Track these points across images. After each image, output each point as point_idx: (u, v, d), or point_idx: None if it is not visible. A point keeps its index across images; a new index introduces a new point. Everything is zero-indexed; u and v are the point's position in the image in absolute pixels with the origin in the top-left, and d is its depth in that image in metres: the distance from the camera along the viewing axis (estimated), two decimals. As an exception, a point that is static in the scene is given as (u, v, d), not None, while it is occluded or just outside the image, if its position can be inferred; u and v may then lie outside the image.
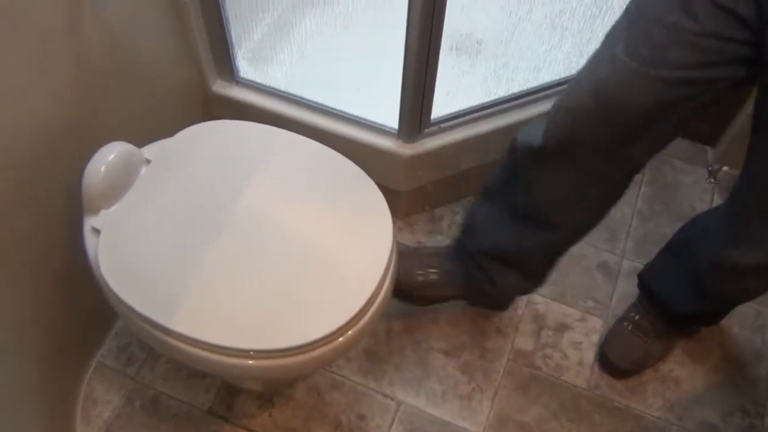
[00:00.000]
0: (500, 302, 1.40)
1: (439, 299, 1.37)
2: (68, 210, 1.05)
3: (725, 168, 1.67)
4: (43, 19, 0.89)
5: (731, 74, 0.87)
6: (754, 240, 1.00)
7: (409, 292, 1.33)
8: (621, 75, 0.90)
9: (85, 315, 1.25)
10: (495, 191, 1.19)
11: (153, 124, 1.22)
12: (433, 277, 1.32)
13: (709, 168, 1.69)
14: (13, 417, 1.02)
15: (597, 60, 0.94)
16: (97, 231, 0.97)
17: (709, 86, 0.89)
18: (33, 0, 0.86)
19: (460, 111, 1.35)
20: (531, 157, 1.05)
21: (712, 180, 1.67)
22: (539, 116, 1.05)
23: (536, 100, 1.39)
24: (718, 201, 1.64)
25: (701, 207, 1.62)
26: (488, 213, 1.21)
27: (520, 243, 1.19)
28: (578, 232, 1.18)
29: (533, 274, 1.28)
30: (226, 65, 1.36)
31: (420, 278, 1.32)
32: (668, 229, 1.53)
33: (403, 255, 1.29)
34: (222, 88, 1.39)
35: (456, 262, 1.30)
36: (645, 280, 1.36)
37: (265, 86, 1.39)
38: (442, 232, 1.55)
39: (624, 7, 0.92)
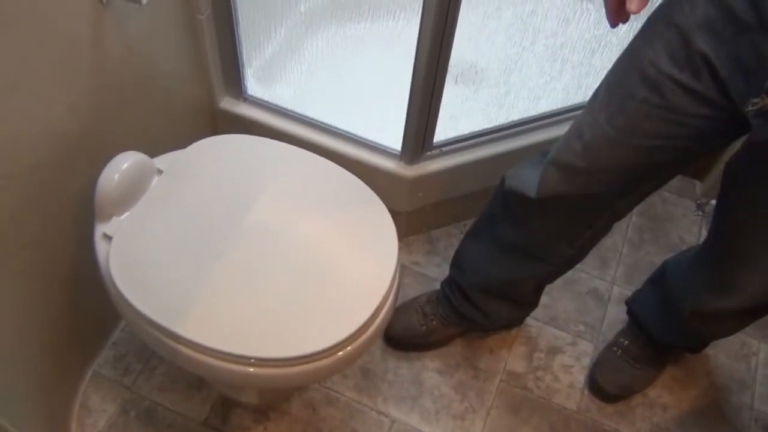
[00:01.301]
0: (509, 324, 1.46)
1: (445, 341, 1.43)
2: (78, 215, 1.07)
3: (713, 202, 1.72)
4: (70, 31, 0.92)
5: (707, 140, 0.92)
6: (735, 287, 1.03)
7: (415, 343, 1.40)
8: (604, 140, 0.95)
9: (84, 323, 1.26)
10: (484, 228, 1.24)
11: (164, 136, 1.24)
12: (434, 323, 1.39)
13: (697, 201, 1.74)
14: (13, 419, 1.02)
15: (584, 122, 0.99)
16: (108, 237, 0.99)
17: (687, 152, 0.94)
18: (61, 13, 0.89)
19: (462, 136, 1.39)
20: (523, 205, 1.09)
21: (700, 213, 1.72)
22: (529, 160, 1.10)
23: (535, 128, 1.43)
24: (705, 234, 1.68)
25: (689, 238, 1.67)
26: (478, 248, 1.27)
27: (510, 274, 1.24)
28: (566, 266, 1.23)
29: (524, 302, 1.34)
30: (235, 83, 1.39)
31: (423, 328, 1.39)
32: (657, 257, 1.57)
33: (399, 311, 1.38)
34: (230, 104, 1.42)
35: (448, 304, 1.36)
36: (632, 308, 1.40)
37: (271, 104, 1.42)
38: (438, 253, 1.58)
39: (622, 46, 0.96)
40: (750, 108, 0.80)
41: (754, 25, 0.77)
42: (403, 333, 1.39)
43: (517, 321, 1.45)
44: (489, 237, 1.23)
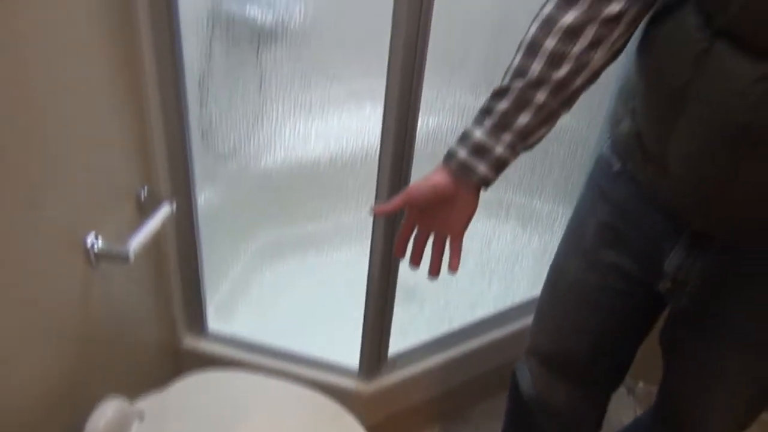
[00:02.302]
0: None
1: None
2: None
3: (641, 384, 1.87)
4: (61, 289, 1.02)
5: (643, 316, 1.09)
6: None
7: None
8: (554, 335, 1.13)
9: None
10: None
11: (136, 374, 1.30)
12: None
13: (627, 385, 1.88)
14: None
15: (540, 318, 1.17)
16: (95, 488, 1.00)
17: (639, 328, 1.10)
18: (55, 273, 0.99)
19: (412, 347, 1.51)
20: (529, 406, 1.22)
21: (632, 396, 1.86)
22: (527, 355, 1.22)
23: (475, 334, 1.58)
24: (639, 413, 1.80)
25: (627, 420, 1.78)
26: None
27: None
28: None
29: None
30: (197, 321, 1.49)
31: None
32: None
33: None
34: (193, 341, 1.50)
35: None
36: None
37: (232, 338, 1.51)
38: (400, 466, 1.61)
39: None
40: (660, 289, 0.97)
41: (633, 235, 0.97)
42: None
43: None
44: None
